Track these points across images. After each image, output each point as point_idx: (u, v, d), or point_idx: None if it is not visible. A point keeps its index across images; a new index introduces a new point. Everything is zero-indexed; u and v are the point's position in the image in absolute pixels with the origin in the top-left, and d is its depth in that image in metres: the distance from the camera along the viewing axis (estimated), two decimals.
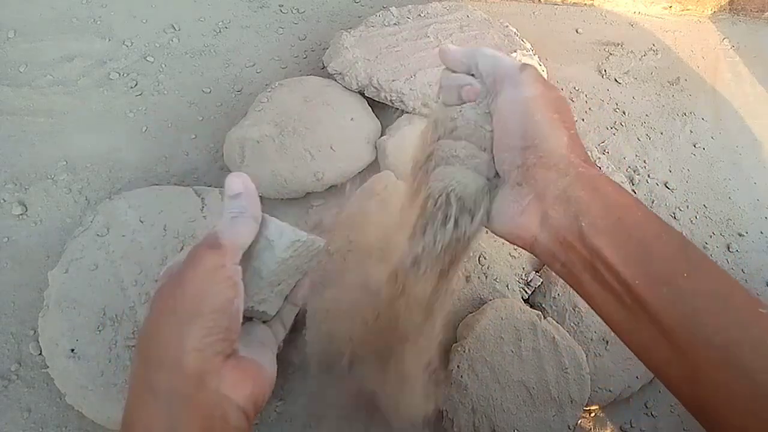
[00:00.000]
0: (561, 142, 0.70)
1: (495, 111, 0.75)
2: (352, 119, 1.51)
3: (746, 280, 1.58)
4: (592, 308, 0.70)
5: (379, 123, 1.58)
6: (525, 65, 0.75)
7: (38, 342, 1.22)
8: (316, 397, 1.24)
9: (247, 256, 0.79)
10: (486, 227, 0.79)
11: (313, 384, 1.25)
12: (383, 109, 1.61)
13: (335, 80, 1.61)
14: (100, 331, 1.15)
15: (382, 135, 1.57)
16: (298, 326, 1.22)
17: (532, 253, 0.74)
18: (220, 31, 1.83)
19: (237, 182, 0.79)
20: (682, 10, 2.18)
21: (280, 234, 0.81)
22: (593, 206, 0.67)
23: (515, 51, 1.64)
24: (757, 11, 2.21)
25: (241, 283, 0.75)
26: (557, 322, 1.29)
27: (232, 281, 0.73)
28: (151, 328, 0.71)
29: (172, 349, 0.68)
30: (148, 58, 1.72)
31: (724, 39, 2.14)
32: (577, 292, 0.72)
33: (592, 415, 1.33)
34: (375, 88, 1.53)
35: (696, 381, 0.61)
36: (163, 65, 1.72)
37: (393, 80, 1.52)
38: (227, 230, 0.75)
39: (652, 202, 1.66)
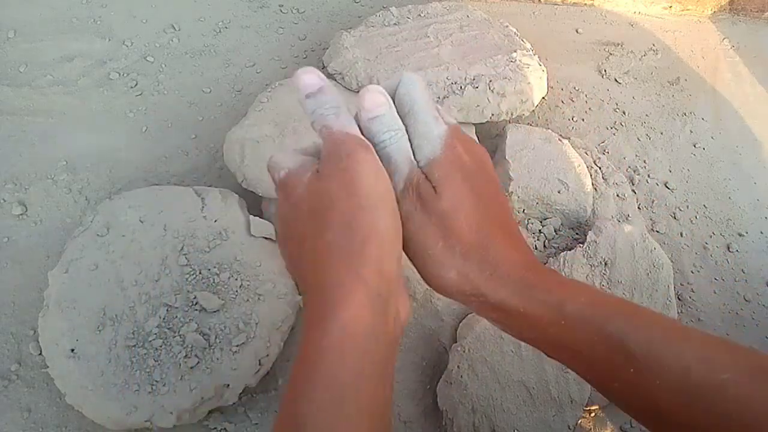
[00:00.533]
0: (499, 244, 0.72)
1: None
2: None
3: (746, 280, 1.58)
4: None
5: None
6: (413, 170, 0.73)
7: (38, 342, 1.22)
8: None
9: None
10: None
11: None
12: None
13: (335, 80, 1.61)
14: (100, 331, 1.15)
15: None
16: None
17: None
18: (220, 31, 1.84)
19: (312, 77, 0.72)
20: (682, 10, 2.19)
21: None
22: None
23: (515, 51, 1.64)
24: (757, 11, 2.21)
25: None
26: None
27: (390, 182, 0.69)
28: (338, 217, 0.64)
29: (374, 249, 0.64)
30: (148, 58, 1.72)
31: (724, 39, 2.15)
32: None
33: (592, 415, 1.33)
34: None
35: None
36: (163, 65, 1.72)
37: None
38: (349, 129, 0.70)
39: (652, 202, 1.66)
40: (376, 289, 0.62)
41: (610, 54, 2.02)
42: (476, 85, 1.52)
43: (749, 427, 0.59)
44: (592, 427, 1.32)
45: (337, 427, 0.58)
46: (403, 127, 0.72)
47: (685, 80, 1.99)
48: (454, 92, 1.51)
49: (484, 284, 0.69)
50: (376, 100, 0.70)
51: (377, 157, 0.68)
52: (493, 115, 1.54)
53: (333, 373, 0.59)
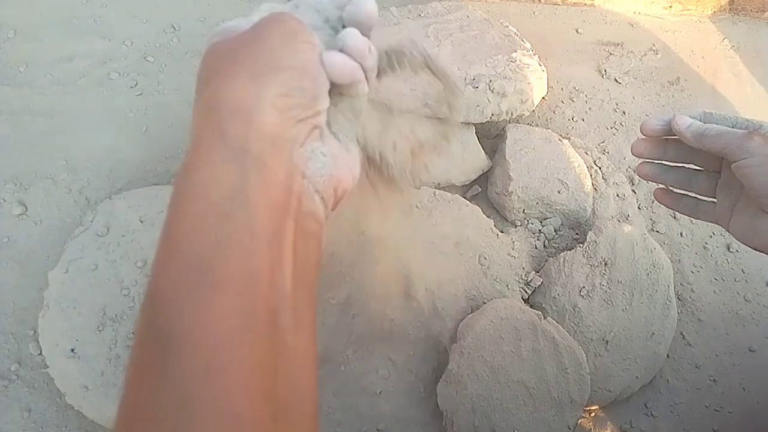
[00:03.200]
0: None
1: (739, 172, 0.86)
2: None
3: (746, 280, 1.59)
4: None
5: None
6: (749, 134, 0.85)
7: (38, 342, 1.23)
8: None
9: None
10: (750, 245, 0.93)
11: None
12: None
13: None
14: (100, 331, 1.16)
15: None
16: None
17: None
18: None
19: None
20: (682, 10, 2.19)
21: None
22: None
23: (515, 51, 1.64)
24: (757, 11, 2.22)
25: (324, 53, 0.65)
26: (557, 322, 1.30)
27: (314, 45, 0.64)
28: (217, 80, 0.61)
29: (249, 100, 0.58)
30: (148, 58, 1.73)
31: (724, 39, 2.16)
32: None
33: (592, 415, 1.35)
34: (376, 89, 1.52)
35: None
36: (163, 65, 1.73)
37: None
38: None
39: (652, 202, 1.67)
40: (243, 145, 0.57)
41: (610, 54, 2.02)
42: (476, 85, 1.52)
43: None
44: (592, 427, 1.33)
45: (199, 300, 0.52)
46: None
47: (686, 80, 2.00)
48: None
49: None
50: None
51: (306, 29, 0.65)
52: (493, 114, 1.55)
53: (188, 241, 0.54)
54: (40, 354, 1.23)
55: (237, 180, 0.56)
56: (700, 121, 0.95)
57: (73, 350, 1.15)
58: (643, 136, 1.04)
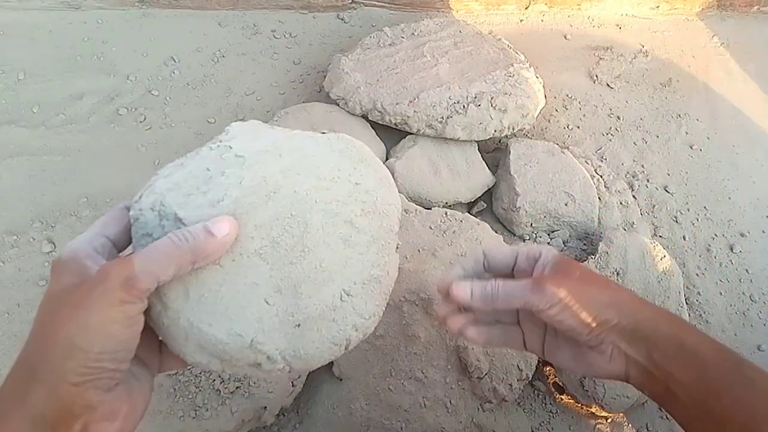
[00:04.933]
0: (610, 304, 0.87)
1: (545, 319, 0.88)
2: None
3: (751, 280, 1.67)
4: (671, 416, 0.87)
5: (384, 146, 1.71)
6: (534, 283, 0.87)
7: None
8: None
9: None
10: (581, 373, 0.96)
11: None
12: (386, 131, 1.72)
13: (338, 105, 1.73)
14: None
15: (387, 157, 1.69)
16: None
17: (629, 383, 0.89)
18: (218, 60, 1.97)
19: (226, 227, 0.72)
20: (670, 10, 2.30)
21: None
22: (659, 340, 0.84)
23: (512, 65, 1.76)
24: (745, 6, 2.33)
25: (142, 320, 0.69)
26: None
27: (134, 320, 0.69)
28: (39, 342, 0.68)
29: (54, 375, 0.66)
30: (153, 92, 1.85)
31: (713, 36, 2.27)
32: (660, 405, 0.93)
33: (609, 420, 1.43)
34: (379, 111, 1.65)
35: None
36: (168, 98, 1.85)
37: (396, 103, 1.64)
38: (149, 260, 0.69)
39: (653, 207, 1.76)
40: (41, 410, 0.65)
41: (600, 59, 2.13)
42: (478, 103, 1.63)
43: None
44: (610, 431, 1.43)
45: None
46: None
47: (677, 81, 2.10)
48: (457, 112, 1.63)
49: None
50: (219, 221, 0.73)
51: (136, 298, 0.68)
52: (495, 131, 1.66)
53: None
54: None
55: None
56: (484, 266, 0.98)
57: None
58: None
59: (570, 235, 1.62)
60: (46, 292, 0.69)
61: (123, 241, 0.77)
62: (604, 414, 1.41)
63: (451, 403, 1.35)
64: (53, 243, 1.55)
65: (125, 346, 0.68)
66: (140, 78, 1.88)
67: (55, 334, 0.66)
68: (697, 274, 1.68)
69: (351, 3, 2.14)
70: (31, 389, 0.66)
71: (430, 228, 1.48)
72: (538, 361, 1.41)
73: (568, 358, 0.92)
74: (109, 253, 0.75)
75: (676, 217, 1.76)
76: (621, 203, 1.69)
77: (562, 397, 1.43)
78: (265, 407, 1.27)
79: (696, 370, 0.81)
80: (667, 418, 1.46)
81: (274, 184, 0.76)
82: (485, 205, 1.72)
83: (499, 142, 1.82)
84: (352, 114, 1.71)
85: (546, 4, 2.23)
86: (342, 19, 2.14)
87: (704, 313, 1.62)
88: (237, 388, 1.25)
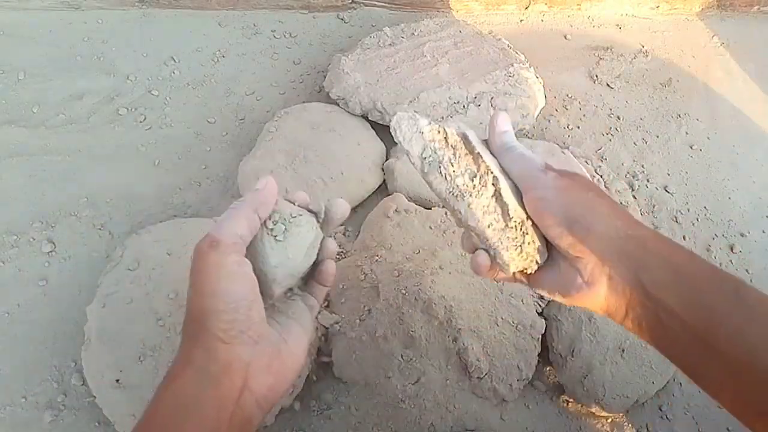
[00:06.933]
0: (602, 210, 0.81)
1: (531, 205, 0.84)
2: (358, 144, 1.65)
3: (752, 280, 1.67)
4: (661, 352, 0.81)
5: (384, 146, 1.72)
6: (545, 167, 0.85)
7: (80, 373, 1.36)
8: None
9: (255, 247, 0.85)
10: (556, 299, 0.89)
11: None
12: (386, 131, 1.70)
13: (338, 105, 1.74)
14: (141, 361, 1.28)
15: (387, 157, 1.70)
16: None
17: (604, 314, 0.84)
18: (218, 60, 1.98)
19: (262, 181, 0.86)
20: (670, 10, 2.31)
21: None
22: (650, 262, 0.77)
23: (512, 65, 1.78)
24: (745, 6, 2.33)
25: (249, 273, 0.80)
26: (573, 333, 1.41)
27: (239, 275, 0.79)
28: (189, 307, 0.79)
29: (206, 336, 0.76)
30: (152, 92, 1.86)
31: (713, 36, 2.27)
32: (647, 341, 0.82)
33: (609, 421, 1.43)
34: (379, 112, 1.67)
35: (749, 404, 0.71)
36: (168, 98, 1.86)
37: (397, 103, 1.65)
38: (223, 224, 0.80)
39: (653, 207, 1.77)
40: (205, 366, 0.76)
41: (600, 59, 2.14)
42: (478, 103, 1.65)
43: None
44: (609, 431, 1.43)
45: None
46: None
47: (677, 81, 2.11)
48: (457, 111, 1.65)
49: None
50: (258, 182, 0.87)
51: (226, 253, 0.78)
52: None
53: (156, 425, 0.76)
54: (83, 384, 1.36)
55: (196, 392, 0.75)
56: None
57: (118, 381, 1.27)
58: None
59: None
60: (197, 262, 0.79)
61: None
62: (604, 414, 1.41)
63: (451, 403, 1.35)
64: (53, 243, 1.56)
65: (243, 299, 0.78)
66: (140, 78, 1.89)
67: (194, 303, 0.77)
68: None
69: (351, 3, 2.15)
70: (193, 350, 0.77)
71: (430, 228, 1.50)
72: (538, 361, 1.41)
73: (549, 276, 0.89)
74: None
75: (676, 217, 1.76)
76: (621, 203, 1.68)
77: (562, 396, 1.44)
78: None
79: (690, 296, 0.74)
80: (668, 418, 1.45)
81: None
82: None
83: None
84: (352, 114, 1.72)
85: (546, 4, 2.23)
86: (342, 19, 2.15)
87: None
88: None
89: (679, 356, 0.77)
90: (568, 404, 1.44)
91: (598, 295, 0.81)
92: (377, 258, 1.46)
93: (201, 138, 1.79)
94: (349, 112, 1.72)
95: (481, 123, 1.64)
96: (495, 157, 0.90)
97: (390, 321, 1.38)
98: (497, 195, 0.85)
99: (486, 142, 0.93)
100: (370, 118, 1.71)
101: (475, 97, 1.67)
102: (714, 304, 0.73)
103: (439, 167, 0.87)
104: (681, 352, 0.77)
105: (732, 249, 1.73)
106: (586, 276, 0.81)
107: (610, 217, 0.81)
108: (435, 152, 0.87)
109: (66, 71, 1.86)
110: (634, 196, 1.76)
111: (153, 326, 1.33)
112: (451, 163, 0.87)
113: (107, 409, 1.28)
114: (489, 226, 0.86)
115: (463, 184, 0.86)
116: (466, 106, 1.66)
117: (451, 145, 0.88)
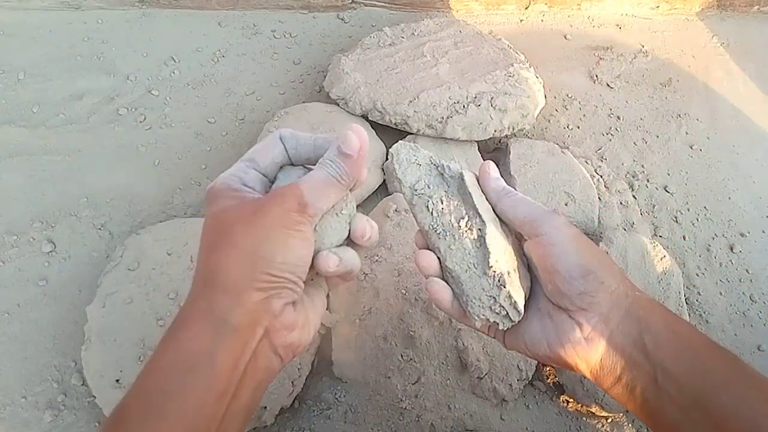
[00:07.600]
0: (615, 270, 0.81)
1: (539, 249, 0.83)
2: None
3: (751, 280, 1.68)
4: (646, 422, 0.80)
5: (384, 146, 1.72)
6: (554, 211, 0.85)
7: (80, 373, 1.36)
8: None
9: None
10: (538, 358, 0.87)
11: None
12: (386, 131, 1.73)
13: (338, 105, 1.74)
14: (141, 361, 1.28)
15: (387, 157, 1.70)
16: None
17: (591, 377, 0.82)
18: (218, 60, 1.98)
19: (354, 141, 0.80)
20: (670, 9, 2.32)
21: None
22: (654, 325, 0.76)
23: (512, 65, 1.77)
24: (745, 6, 2.34)
25: (314, 242, 0.79)
26: None
27: (309, 242, 0.78)
28: (216, 256, 0.74)
29: (240, 283, 0.73)
30: (152, 92, 1.86)
31: (713, 36, 2.28)
32: (634, 409, 0.80)
33: (609, 420, 1.43)
34: (379, 112, 1.66)
35: None
36: (168, 98, 1.86)
37: (397, 103, 1.65)
38: (319, 193, 0.78)
39: (653, 207, 1.77)
40: (225, 317, 0.72)
41: (600, 59, 2.14)
42: (478, 103, 1.64)
43: None
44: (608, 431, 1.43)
45: (148, 429, 0.69)
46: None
47: (677, 81, 2.12)
48: (457, 112, 1.64)
49: None
50: (351, 142, 0.80)
51: (308, 221, 0.78)
52: (496, 131, 1.66)
53: (161, 376, 0.72)
54: (83, 384, 1.36)
55: (210, 342, 0.72)
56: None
57: (118, 381, 1.27)
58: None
59: None
60: (207, 215, 0.79)
61: (273, 172, 0.86)
62: (604, 414, 1.41)
63: (451, 403, 1.36)
64: (53, 243, 1.56)
65: (303, 261, 0.78)
66: (140, 78, 1.89)
67: (234, 247, 0.74)
68: (697, 274, 1.68)
69: (351, 3, 2.15)
70: (214, 298, 0.73)
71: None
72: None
73: (535, 329, 0.86)
74: (262, 184, 0.84)
75: (676, 217, 1.77)
76: (621, 203, 1.70)
77: (562, 396, 1.44)
78: (265, 407, 1.28)
79: (692, 361, 0.73)
80: None
81: None
82: None
83: (499, 142, 1.83)
84: (352, 114, 1.71)
85: (546, 4, 2.24)
86: (342, 19, 2.15)
87: (704, 313, 1.62)
88: None
89: (676, 423, 0.75)
90: (568, 404, 1.44)
91: (595, 351, 0.79)
92: (377, 258, 1.45)
93: (201, 138, 1.79)
94: (349, 112, 1.72)
95: (480, 123, 1.64)
96: (490, 203, 0.89)
97: (390, 321, 1.38)
98: (481, 241, 0.85)
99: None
100: (370, 118, 1.70)
101: (475, 97, 1.66)
102: (715, 370, 0.73)
103: (428, 202, 0.88)
104: (678, 418, 0.74)
105: (732, 249, 1.73)
106: (587, 330, 0.79)
107: (619, 275, 0.81)
108: (427, 186, 0.88)
109: (66, 71, 1.86)
110: (634, 196, 1.76)
111: (153, 326, 1.33)
112: (441, 201, 0.88)
113: (107, 409, 1.27)
114: (465, 272, 0.86)
115: (448, 224, 0.86)
116: (466, 106, 1.65)
117: (446, 183, 0.89)
